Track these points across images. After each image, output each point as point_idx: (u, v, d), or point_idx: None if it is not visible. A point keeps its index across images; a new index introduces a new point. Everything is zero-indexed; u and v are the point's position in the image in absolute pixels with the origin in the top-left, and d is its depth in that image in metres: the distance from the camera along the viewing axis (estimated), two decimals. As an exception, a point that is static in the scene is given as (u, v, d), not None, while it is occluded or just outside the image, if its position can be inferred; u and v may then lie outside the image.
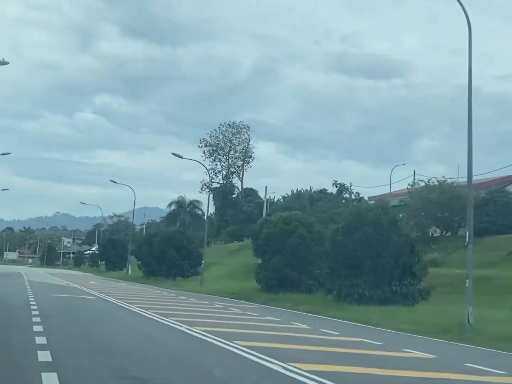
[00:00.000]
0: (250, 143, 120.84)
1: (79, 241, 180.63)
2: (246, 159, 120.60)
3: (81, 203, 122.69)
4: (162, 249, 57.05)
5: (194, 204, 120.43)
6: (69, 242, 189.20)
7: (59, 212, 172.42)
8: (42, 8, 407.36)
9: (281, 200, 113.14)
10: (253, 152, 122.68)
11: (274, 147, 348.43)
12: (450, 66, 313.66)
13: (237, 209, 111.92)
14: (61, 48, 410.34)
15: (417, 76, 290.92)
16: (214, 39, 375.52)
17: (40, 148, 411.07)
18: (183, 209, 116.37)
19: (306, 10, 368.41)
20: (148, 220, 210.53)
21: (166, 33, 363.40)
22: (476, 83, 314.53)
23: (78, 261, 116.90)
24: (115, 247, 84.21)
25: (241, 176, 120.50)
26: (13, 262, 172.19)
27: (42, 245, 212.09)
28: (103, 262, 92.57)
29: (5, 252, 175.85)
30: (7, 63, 26.50)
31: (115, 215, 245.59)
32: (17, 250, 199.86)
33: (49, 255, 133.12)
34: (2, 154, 55.36)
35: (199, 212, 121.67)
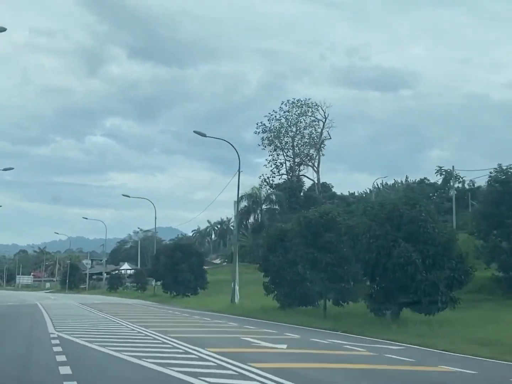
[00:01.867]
0: (326, 123, 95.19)
1: (99, 261, 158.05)
2: (319, 146, 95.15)
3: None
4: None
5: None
6: (87, 263, 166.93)
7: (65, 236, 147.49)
8: (49, 34, 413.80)
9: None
10: (329, 137, 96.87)
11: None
12: (457, 74, 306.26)
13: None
14: (69, 73, 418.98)
15: (425, 86, 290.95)
16: (221, 57, 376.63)
17: (52, 172, 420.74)
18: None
19: (312, 24, 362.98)
20: (178, 235, 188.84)
21: (173, 53, 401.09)
22: (485, 90, 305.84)
23: (115, 283, 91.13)
24: (187, 259, 56.90)
25: (316, 166, 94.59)
26: (27, 287, 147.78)
27: (61, 267, 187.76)
28: (158, 283, 66.62)
29: (17, 276, 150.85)
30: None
31: (141, 230, 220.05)
32: (32, 274, 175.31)
33: (72, 277, 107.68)
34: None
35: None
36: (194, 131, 45.72)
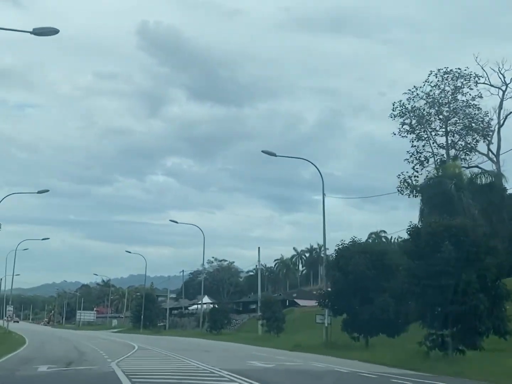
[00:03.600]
0: (507, 92, 67.49)
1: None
2: (486, 131, 67.73)
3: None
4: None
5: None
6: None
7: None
8: (112, 77, 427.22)
9: None
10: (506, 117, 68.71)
11: (342, 199, 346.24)
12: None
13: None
14: (131, 114, 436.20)
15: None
16: (278, 96, 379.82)
17: (113, 211, 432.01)
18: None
19: (369, 61, 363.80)
20: (260, 263, 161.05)
21: (231, 93, 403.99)
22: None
23: (219, 320, 64.51)
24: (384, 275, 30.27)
25: (493, 155, 66.59)
26: (89, 325, 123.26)
27: (128, 302, 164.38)
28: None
29: (78, 312, 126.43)
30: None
31: (215, 259, 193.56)
32: (95, 309, 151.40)
33: (148, 312, 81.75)
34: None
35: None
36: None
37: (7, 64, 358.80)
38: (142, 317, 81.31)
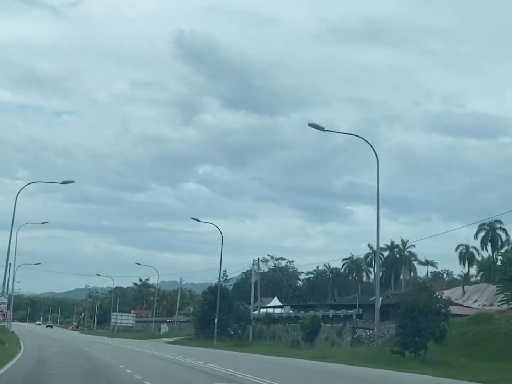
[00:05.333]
0: None
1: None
2: None
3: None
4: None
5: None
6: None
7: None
8: (148, 85, 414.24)
9: None
10: None
11: (375, 210, 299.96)
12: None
13: None
14: (165, 122, 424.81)
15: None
16: (312, 105, 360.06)
17: (147, 218, 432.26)
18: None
19: (404, 71, 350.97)
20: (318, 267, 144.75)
21: (265, 103, 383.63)
22: None
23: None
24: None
25: None
26: (126, 330, 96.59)
27: (168, 304, 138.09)
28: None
29: (113, 315, 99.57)
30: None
31: (272, 257, 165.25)
32: (132, 312, 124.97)
33: (224, 317, 53.65)
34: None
35: None
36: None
37: (45, 71, 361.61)
38: (216, 321, 53.23)
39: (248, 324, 56.70)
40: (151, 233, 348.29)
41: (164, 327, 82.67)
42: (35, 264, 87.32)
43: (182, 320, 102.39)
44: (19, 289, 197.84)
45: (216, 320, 54.38)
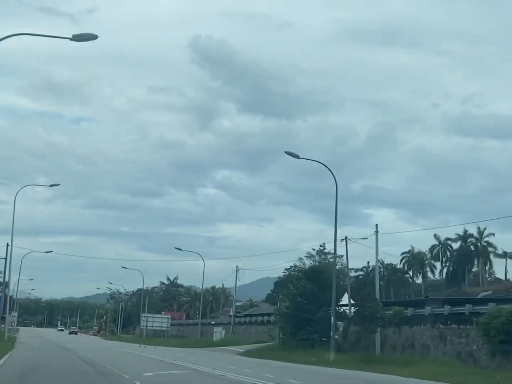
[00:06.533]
0: None
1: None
2: None
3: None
4: None
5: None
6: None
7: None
8: (165, 91, 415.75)
9: None
10: None
11: (394, 213, 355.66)
12: None
13: None
14: (182, 127, 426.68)
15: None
16: (329, 109, 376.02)
17: (165, 223, 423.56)
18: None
19: (422, 73, 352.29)
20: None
21: (282, 107, 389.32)
22: None
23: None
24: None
25: None
26: (157, 335, 78.13)
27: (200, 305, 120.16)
28: None
29: (143, 316, 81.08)
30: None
31: (318, 251, 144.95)
32: (163, 313, 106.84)
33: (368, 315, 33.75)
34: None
35: None
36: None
37: (63, 79, 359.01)
38: (333, 321, 32.59)
39: (377, 326, 36.53)
40: (170, 238, 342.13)
41: (219, 332, 62.71)
42: (46, 251, 73.52)
43: (225, 322, 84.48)
44: (29, 293, 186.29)
45: (333, 319, 34.01)
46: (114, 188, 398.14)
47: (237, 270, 78.39)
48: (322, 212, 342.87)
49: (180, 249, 76.41)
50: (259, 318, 66.86)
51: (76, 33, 21.05)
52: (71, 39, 21.31)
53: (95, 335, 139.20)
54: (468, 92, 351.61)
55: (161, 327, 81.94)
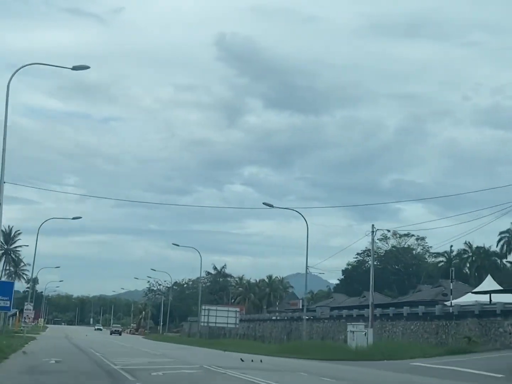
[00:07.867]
0: None
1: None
2: None
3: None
4: None
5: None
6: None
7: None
8: (192, 89, 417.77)
9: None
10: None
11: (424, 207, 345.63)
12: None
13: None
14: (210, 125, 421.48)
15: None
16: (357, 103, 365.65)
17: (193, 220, 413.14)
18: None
19: (450, 65, 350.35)
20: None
21: (309, 102, 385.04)
22: None
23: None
24: None
25: None
26: (211, 334, 58.08)
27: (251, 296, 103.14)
28: None
29: (204, 309, 60.00)
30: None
31: (394, 234, 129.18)
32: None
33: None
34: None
35: None
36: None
37: (92, 80, 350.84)
38: None
39: None
40: (198, 236, 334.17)
41: (362, 332, 38.99)
42: (73, 218, 56.74)
43: (274, 318, 66.12)
44: (55, 291, 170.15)
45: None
46: (143, 187, 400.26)
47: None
48: (351, 208, 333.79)
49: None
50: (413, 310, 44.20)
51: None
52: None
53: (134, 334, 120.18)
54: (498, 83, 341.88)
55: (227, 323, 61.30)
